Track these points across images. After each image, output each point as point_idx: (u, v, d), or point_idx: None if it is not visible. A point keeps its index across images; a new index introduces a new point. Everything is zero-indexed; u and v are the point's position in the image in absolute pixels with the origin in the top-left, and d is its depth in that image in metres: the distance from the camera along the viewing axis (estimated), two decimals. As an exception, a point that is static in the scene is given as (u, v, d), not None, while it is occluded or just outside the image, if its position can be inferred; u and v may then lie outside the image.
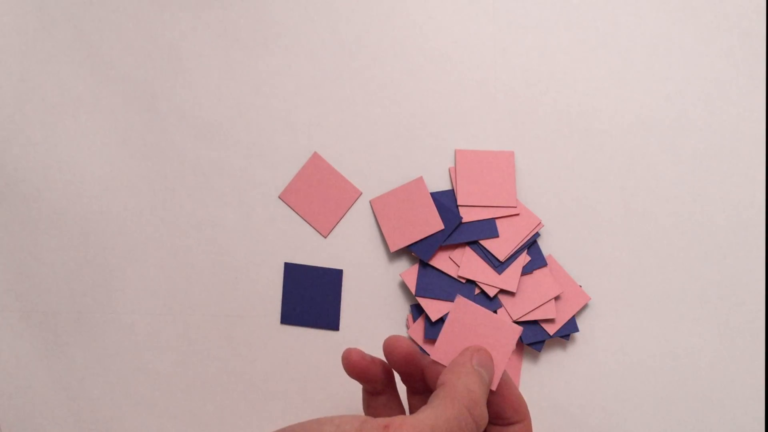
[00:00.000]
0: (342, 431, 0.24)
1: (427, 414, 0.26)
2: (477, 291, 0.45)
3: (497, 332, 0.34)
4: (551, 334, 0.45)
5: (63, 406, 0.47)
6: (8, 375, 0.47)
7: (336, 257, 0.47)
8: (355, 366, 0.32)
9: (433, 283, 0.45)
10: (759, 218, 0.47)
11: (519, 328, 0.34)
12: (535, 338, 0.45)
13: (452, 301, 0.45)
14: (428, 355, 0.33)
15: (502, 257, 0.45)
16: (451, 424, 0.25)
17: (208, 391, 0.47)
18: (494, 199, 0.46)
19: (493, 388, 0.31)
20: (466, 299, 0.34)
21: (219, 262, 0.47)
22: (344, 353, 0.32)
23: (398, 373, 0.33)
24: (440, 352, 0.34)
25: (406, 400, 0.35)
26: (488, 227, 0.45)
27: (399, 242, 0.46)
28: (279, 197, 0.47)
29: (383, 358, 0.33)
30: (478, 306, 0.34)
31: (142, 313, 0.47)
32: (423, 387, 0.33)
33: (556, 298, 0.45)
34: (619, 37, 0.48)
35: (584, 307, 0.46)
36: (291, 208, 0.47)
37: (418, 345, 0.45)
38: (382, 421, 0.25)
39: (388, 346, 0.32)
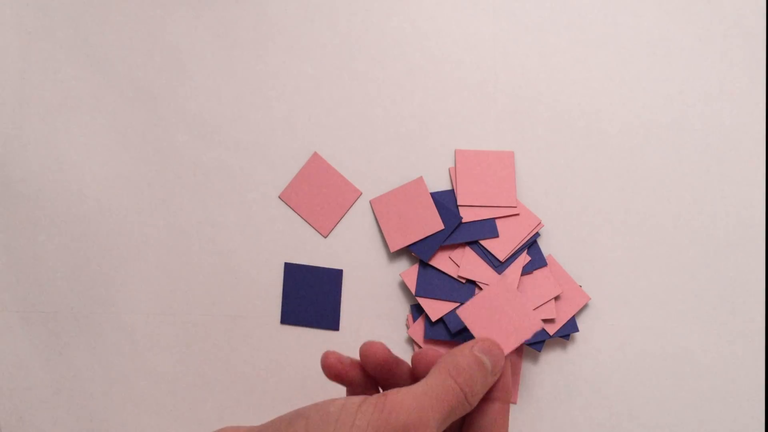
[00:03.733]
0: (348, 404, 0.27)
1: (419, 384, 0.29)
2: (477, 291, 0.45)
3: (520, 318, 0.39)
4: (551, 334, 0.45)
5: (63, 406, 0.47)
6: (8, 375, 0.47)
7: (336, 257, 0.47)
8: (331, 369, 0.34)
9: (433, 283, 0.45)
10: (759, 218, 0.47)
11: (540, 323, 0.39)
12: (535, 338, 0.45)
13: (452, 301, 0.45)
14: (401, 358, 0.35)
15: (502, 257, 0.45)
16: (438, 390, 0.29)
17: (208, 391, 0.47)
18: (494, 199, 0.46)
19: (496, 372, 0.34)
20: (506, 281, 0.40)
21: (219, 262, 0.47)
22: (322, 356, 0.34)
23: (375, 377, 0.35)
24: (466, 312, 0.40)
25: None
26: (488, 227, 0.45)
27: (399, 242, 0.46)
28: (279, 197, 0.47)
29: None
30: (516, 290, 0.40)
31: (142, 313, 0.47)
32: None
33: (556, 298, 0.45)
34: (619, 37, 0.48)
35: (584, 307, 0.46)
36: (291, 208, 0.47)
37: (417, 345, 0.45)
38: (380, 394, 0.28)
39: (364, 353, 0.34)
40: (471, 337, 0.45)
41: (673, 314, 0.46)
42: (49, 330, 0.47)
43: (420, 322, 0.46)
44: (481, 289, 0.45)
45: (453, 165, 0.47)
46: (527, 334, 0.38)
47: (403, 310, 0.47)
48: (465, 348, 0.32)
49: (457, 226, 0.46)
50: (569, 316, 0.45)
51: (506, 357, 0.34)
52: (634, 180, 0.47)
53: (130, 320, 0.47)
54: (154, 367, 0.47)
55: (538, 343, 0.45)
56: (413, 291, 0.45)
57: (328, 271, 0.47)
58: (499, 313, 0.39)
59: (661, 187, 0.47)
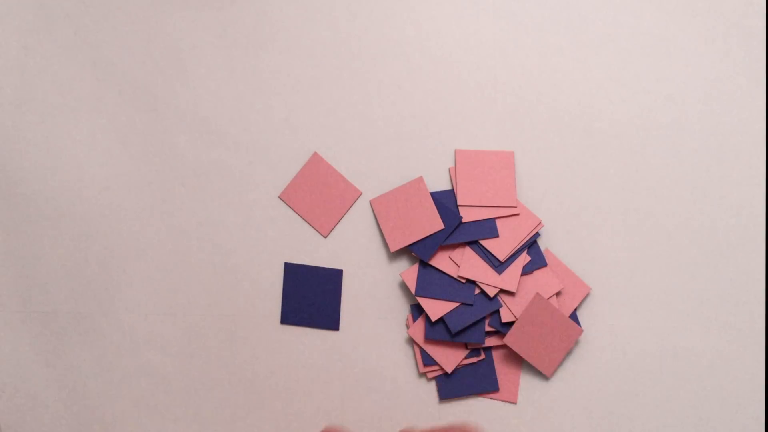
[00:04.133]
0: None
1: None
2: (477, 291, 0.45)
3: (562, 329, 0.43)
4: (551, 334, 0.45)
5: (63, 406, 0.47)
6: (8, 375, 0.47)
7: (336, 257, 0.47)
8: None
9: (433, 283, 0.45)
10: (759, 218, 0.47)
11: (580, 329, 0.43)
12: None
13: (452, 300, 0.45)
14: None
15: (502, 257, 0.45)
16: None
17: (208, 391, 0.47)
18: (494, 199, 0.46)
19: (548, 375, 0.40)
20: (543, 297, 0.43)
21: (219, 262, 0.47)
22: None
23: None
24: (512, 337, 0.43)
25: None
26: (488, 227, 0.45)
27: (399, 242, 0.46)
28: (279, 197, 0.47)
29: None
30: (552, 305, 0.43)
31: (142, 313, 0.47)
32: None
33: (557, 294, 0.45)
34: (619, 37, 0.48)
35: (585, 308, 0.46)
36: (291, 208, 0.47)
37: (419, 345, 0.45)
38: None
39: None
40: (472, 337, 0.45)
41: (673, 314, 0.46)
42: (49, 330, 0.47)
43: (420, 322, 0.46)
44: (481, 289, 0.45)
45: (453, 165, 0.47)
46: (571, 341, 0.41)
47: (403, 310, 0.47)
48: (470, 424, 0.33)
49: (457, 226, 0.46)
50: (571, 310, 0.45)
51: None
52: (634, 180, 0.47)
53: (130, 320, 0.47)
54: (154, 367, 0.47)
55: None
56: (413, 291, 0.45)
57: (328, 271, 0.47)
58: (541, 329, 0.42)
59: (661, 187, 0.47)
